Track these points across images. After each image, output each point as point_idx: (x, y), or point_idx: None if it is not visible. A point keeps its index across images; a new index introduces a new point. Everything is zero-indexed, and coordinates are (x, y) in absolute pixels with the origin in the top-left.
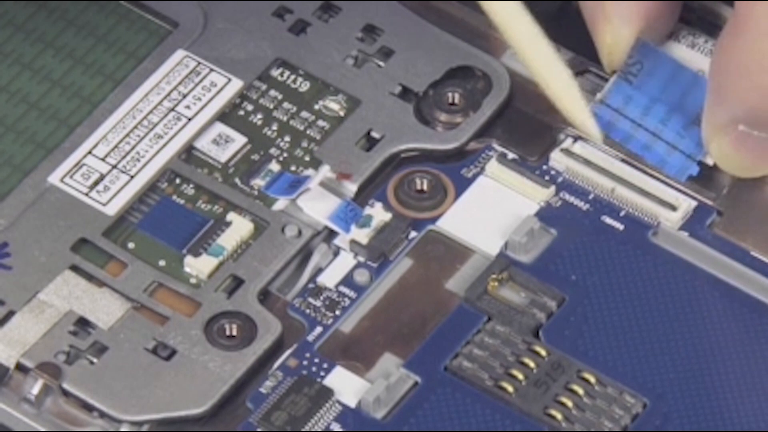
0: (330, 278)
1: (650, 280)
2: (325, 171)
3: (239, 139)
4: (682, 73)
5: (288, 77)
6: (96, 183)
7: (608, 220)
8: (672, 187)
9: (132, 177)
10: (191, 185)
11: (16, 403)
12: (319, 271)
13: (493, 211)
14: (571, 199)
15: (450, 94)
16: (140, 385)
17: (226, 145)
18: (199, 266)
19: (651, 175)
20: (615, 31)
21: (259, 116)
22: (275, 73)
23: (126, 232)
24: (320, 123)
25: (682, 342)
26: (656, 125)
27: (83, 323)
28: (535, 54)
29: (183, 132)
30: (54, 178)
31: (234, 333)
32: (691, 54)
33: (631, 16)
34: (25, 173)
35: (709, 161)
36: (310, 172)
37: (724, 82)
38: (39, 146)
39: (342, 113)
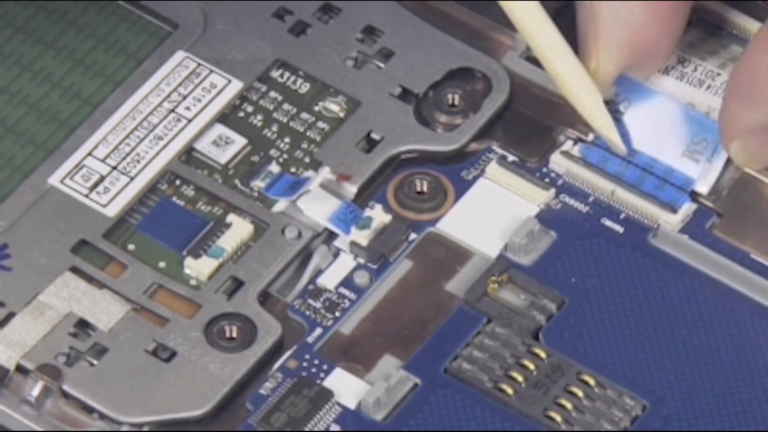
0: (330, 280)
1: (650, 282)
2: (325, 172)
3: (239, 141)
4: (670, 107)
5: (288, 78)
6: (96, 184)
7: (608, 223)
8: None
9: (132, 178)
10: (191, 187)
11: (16, 404)
12: (319, 272)
13: (492, 213)
14: (571, 201)
15: (450, 96)
16: (140, 386)
17: (226, 147)
18: (199, 268)
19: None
20: (600, 59)
21: (259, 117)
22: (275, 74)
23: (126, 233)
24: (320, 124)
25: (681, 344)
26: (646, 161)
27: (83, 325)
28: (561, 67)
29: (183, 133)
30: (54, 180)
31: (234, 335)
32: (679, 86)
33: (620, 48)
34: (25, 174)
35: (702, 189)
36: (310, 173)
37: (764, 88)
38: (39, 147)
39: (342, 114)
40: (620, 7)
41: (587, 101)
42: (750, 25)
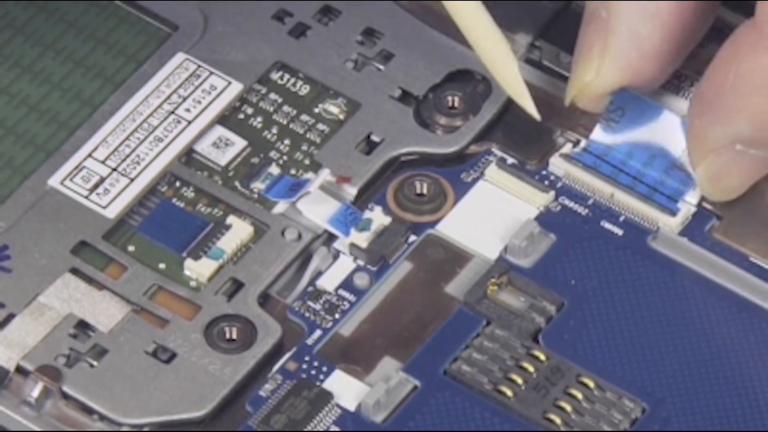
0: (329, 282)
1: (649, 284)
2: (325, 174)
3: (239, 143)
4: (664, 117)
5: (288, 80)
6: (96, 186)
7: (607, 225)
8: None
9: (132, 180)
10: (191, 188)
11: (16, 405)
12: (318, 274)
13: (492, 216)
14: (571, 203)
15: (450, 98)
16: (140, 388)
17: (226, 148)
18: (199, 269)
19: None
20: (602, 74)
21: (259, 119)
22: (275, 76)
23: (126, 234)
24: (320, 126)
25: (681, 346)
26: (638, 169)
27: (83, 326)
28: (479, 33)
29: (183, 135)
30: (54, 181)
31: (234, 336)
32: (675, 100)
33: (626, 69)
34: (25, 176)
35: (692, 200)
36: (309, 175)
37: (729, 101)
38: (39, 149)
39: (342, 116)
40: (640, 26)
41: (503, 69)
42: None
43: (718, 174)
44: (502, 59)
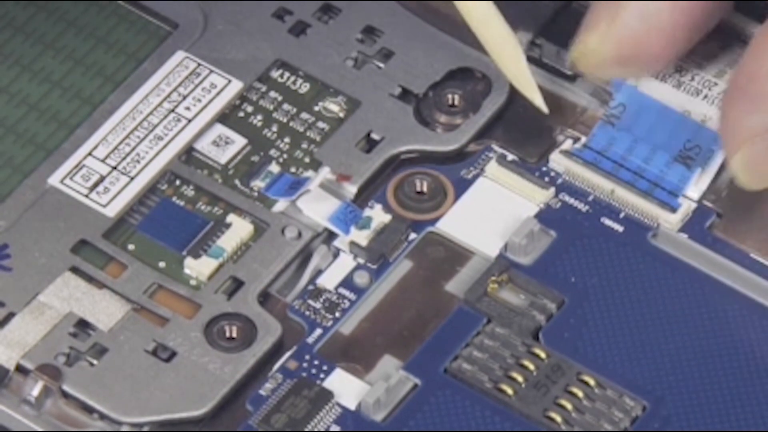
0: (330, 280)
1: (650, 282)
2: (325, 172)
3: (239, 141)
4: (665, 113)
5: (288, 78)
6: (96, 184)
7: (608, 222)
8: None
9: (132, 178)
10: (191, 187)
11: (16, 404)
12: (318, 272)
13: (492, 213)
14: (571, 200)
15: (450, 96)
16: (140, 386)
17: (226, 147)
18: (199, 268)
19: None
20: (605, 40)
21: (259, 117)
22: (275, 74)
23: (126, 233)
24: (320, 124)
25: (681, 344)
26: (639, 164)
27: (83, 325)
28: (488, 28)
29: (183, 133)
30: (54, 180)
31: (234, 335)
32: (676, 94)
33: (627, 39)
34: (25, 174)
35: (693, 195)
36: (310, 173)
37: (766, 88)
38: (39, 148)
39: (342, 115)
40: (650, 8)
41: (511, 62)
42: (751, 27)
43: (754, 162)
44: (509, 52)
